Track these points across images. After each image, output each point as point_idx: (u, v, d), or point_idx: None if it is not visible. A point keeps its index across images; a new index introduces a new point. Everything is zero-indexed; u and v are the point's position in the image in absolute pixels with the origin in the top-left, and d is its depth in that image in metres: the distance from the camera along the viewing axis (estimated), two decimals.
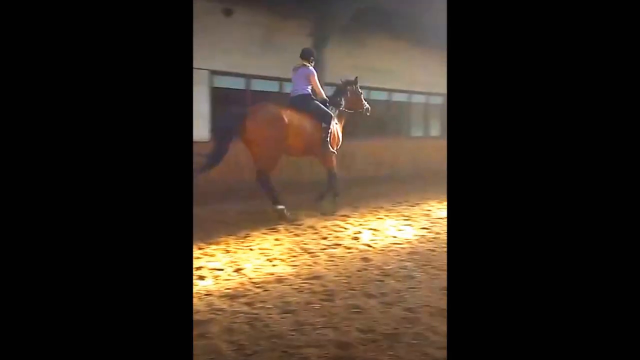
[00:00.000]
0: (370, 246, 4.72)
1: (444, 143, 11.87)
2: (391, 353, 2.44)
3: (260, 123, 5.45)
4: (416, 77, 11.69)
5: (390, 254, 4.46)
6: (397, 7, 9.38)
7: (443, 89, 12.34)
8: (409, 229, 5.53)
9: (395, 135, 11.70)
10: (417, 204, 7.19)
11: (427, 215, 6.37)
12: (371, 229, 5.48)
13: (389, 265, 4.05)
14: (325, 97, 6.28)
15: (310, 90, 6.04)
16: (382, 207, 6.77)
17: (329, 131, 6.05)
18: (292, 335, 2.65)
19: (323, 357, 2.39)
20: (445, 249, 4.65)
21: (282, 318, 2.88)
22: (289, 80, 8.29)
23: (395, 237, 5.15)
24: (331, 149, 6.16)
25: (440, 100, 12.72)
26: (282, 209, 5.74)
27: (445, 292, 3.40)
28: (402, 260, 4.22)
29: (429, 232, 5.41)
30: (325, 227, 5.48)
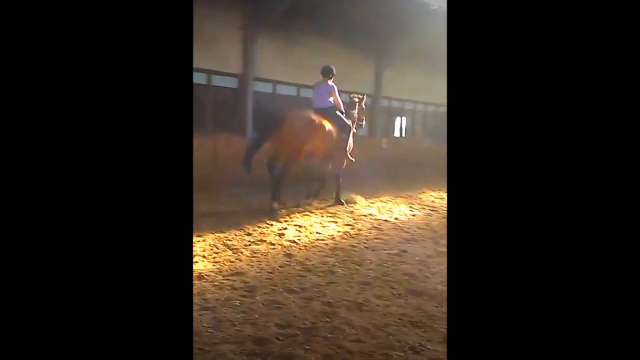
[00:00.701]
0: (294, 242, 4.76)
1: (372, 140, 12.11)
2: (307, 347, 2.49)
3: (298, 127, 6.05)
4: (346, 76, 11.92)
5: (313, 249, 4.52)
6: (329, 5, 9.51)
7: (372, 88, 12.71)
8: (332, 226, 5.65)
9: None
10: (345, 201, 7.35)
11: (352, 212, 6.53)
12: (296, 225, 5.53)
13: (311, 261, 4.12)
14: (343, 109, 6.98)
15: (332, 103, 6.73)
16: (309, 204, 6.84)
17: (348, 141, 6.86)
18: (210, 332, 2.61)
19: (239, 353, 2.39)
20: (366, 245, 4.81)
21: (200, 315, 2.84)
22: (218, 73, 8.05)
23: (319, 233, 5.23)
24: (350, 157, 6.97)
25: (369, 101, 13.02)
26: (275, 208, 5.96)
27: (363, 286, 3.52)
28: (325, 256, 4.31)
29: (352, 228, 5.56)
30: (250, 223, 5.45)
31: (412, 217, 6.56)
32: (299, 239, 4.89)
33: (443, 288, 3.48)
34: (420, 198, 8.29)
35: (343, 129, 6.79)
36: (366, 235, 5.25)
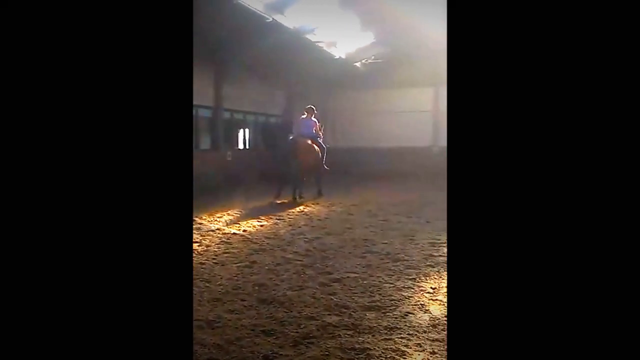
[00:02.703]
0: None
1: (214, 154, 11.94)
2: None
3: (305, 150, 9.58)
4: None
5: None
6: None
7: (211, 100, 12.53)
8: None
9: None
10: None
11: (198, 229, 6.37)
12: None
13: None
14: (320, 135, 10.33)
15: (314, 132, 10.12)
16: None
17: (324, 156, 10.13)
18: None
19: None
20: (215, 260, 4.74)
21: None
22: None
23: None
24: (325, 167, 10.26)
25: (208, 113, 12.80)
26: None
27: (214, 302, 3.47)
28: None
29: (200, 245, 5.42)
30: None
31: (260, 227, 6.66)
32: None
33: (292, 293, 3.63)
34: (268, 208, 8.46)
35: (322, 148, 10.05)
36: (215, 251, 5.18)
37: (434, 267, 4.43)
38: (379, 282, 3.96)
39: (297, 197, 9.41)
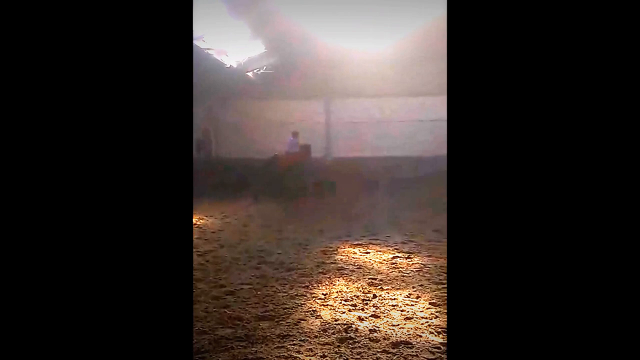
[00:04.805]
0: None
1: None
2: None
3: (305, 151, 13.92)
4: None
5: None
6: None
7: None
8: None
9: None
10: None
11: None
12: None
13: None
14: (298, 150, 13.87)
15: (298, 148, 13.91)
16: None
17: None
18: None
19: None
20: None
21: None
22: None
23: None
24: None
25: None
26: None
27: None
28: None
29: None
30: None
31: None
32: None
33: None
34: None
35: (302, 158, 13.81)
36: None
37: (325, 274, 4.60)
38: (273, 291, 4.02)
39: None
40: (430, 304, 3.63)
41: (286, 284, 4.25)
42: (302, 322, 3.26)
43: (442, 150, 16.04)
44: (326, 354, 2.74)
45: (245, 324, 3.22)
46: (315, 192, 12.77)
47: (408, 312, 3.45)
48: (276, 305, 3.62)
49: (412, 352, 2.76)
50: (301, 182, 13.17)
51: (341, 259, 5.27)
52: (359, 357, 2.70)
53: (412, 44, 14.10)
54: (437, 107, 16.44)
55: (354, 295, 3.87)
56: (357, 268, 4.84)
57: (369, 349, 2.80)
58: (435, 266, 4.86)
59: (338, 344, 2.88)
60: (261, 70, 16.35)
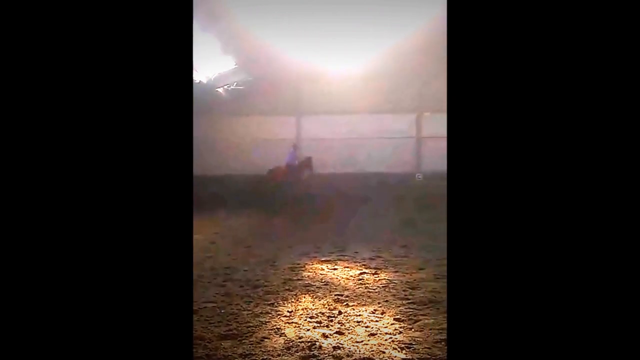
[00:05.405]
0: None
1: None
2: None
3: (306, 164, 15.51)
4: None
5: None
6: None
7: None
8: None
9: None
10: None
11: None
12: None
13: None
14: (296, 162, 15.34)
15: (297, 160, 15.60)
16: None
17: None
18: None
19: None
20: None
21: None
22: None
23: None
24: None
25: None
26: None
27: None
28: None
29: None
30: None
31: None
32: None
33: None
34: None
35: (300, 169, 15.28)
36: None
37: (291, 291, 4.56)
38: (237, 310, 3.95)
39: None
40: (394, 319, 3.64)
41: (251, 302, 4.19)
42: (266, 340, 3.21)
43: (407, 167, 16.24)
44: None
45: (207, 344, 3.14)
46: (292, 208, 12.69)
47: (372, 328, 3.45)
48: (240, 324, 3.55)
49: None
50: (281, 198, 13.19)
51: (308, 276, 5.24)
52: None
53: (381, 62, 14.40)
54: (403, 124, 16.82)
55: (320, 312, 3.84)
56: (324, 284, 4.82)
57: None
58: (402, 282, 4.89)
59: None
60: (231, 87, 16.32)
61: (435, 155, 16.13)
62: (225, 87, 16.39)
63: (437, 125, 16.13)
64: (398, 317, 3.70)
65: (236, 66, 15.29)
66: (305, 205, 12.65)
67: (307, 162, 15.55)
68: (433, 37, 11.52)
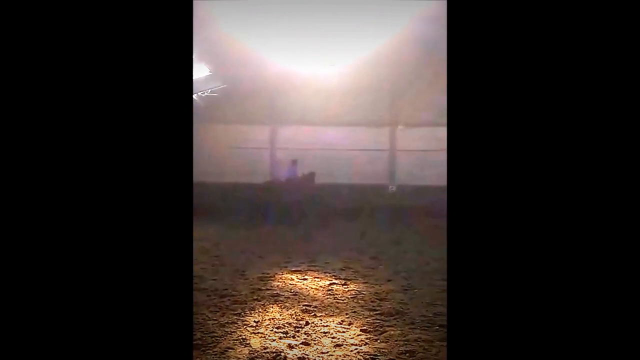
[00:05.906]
0: None
1: None
2: None
3: (308, 179, 14.18)
4: None
5: None
6: None
7: None
8: None
9: None
10: None
11: None
12: None
13: None
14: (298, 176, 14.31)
15: (297, 174, 14.40)
16: None
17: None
18: None
19: None
20: None
21: None
22: None
23: None
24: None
25: None
26: None
27: None
28: None
29: None
30: None
31: None
32: None
33: None
34: None
35: (300, 183, 14.02)
36: None
37: (259, 301, 4.51)
38: (203, 319, 3.87)
39: None
40: (361, 330, 3.64)
41: (217, 312, 4.12)
42: (230, 350, 3.16)
43: (383, 179, 16.37)
44: None
45: None
46: (264, 218, 12.55)
47: (339, 339, 3.44)
48: (204, 334, 3.49)
49: None
50: (254, 207, 12.96)
51: (278, 286, 5.20)
52: None
53: (356, 71, 14.51)
54: (378, 137, 16.99)
55: (287, 323, 3.81)
56: (293, 295, 4.79)
57: None
58: (370, 293, 4.90)
59: None
60: (206, 93, 16.20)
61: (408, 168, 16.34)
62: (200, 93, 16.26)
63: (410, 138, 16.38)
64: (365, 328, 3.70)
65: (210, 73, 15.19)
66: (278, 215, 12.54)
67: (310, 177, 14.48)
68: (403, 47, 11.69)
